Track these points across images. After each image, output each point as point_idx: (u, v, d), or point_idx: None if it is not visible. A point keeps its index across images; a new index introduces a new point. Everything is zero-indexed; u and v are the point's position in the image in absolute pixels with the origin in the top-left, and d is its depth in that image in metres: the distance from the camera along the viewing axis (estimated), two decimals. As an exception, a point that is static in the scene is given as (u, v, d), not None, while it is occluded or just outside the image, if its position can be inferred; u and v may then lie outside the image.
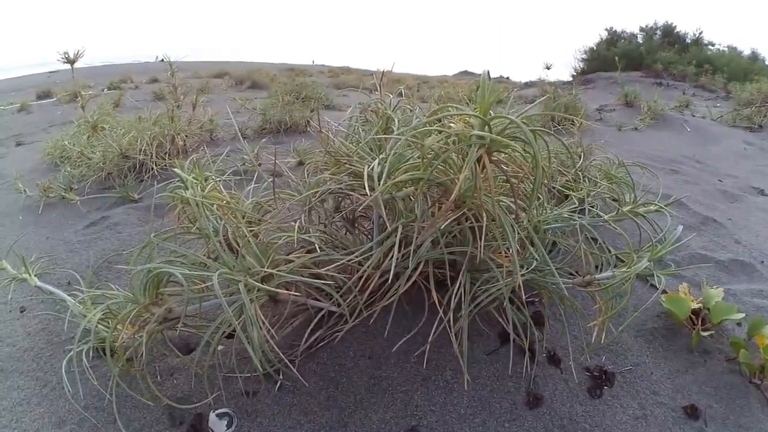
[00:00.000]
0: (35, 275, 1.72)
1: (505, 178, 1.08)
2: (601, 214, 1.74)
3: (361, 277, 1.20)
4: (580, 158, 2.17)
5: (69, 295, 1.60)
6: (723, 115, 6.02)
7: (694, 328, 1.61)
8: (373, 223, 1.34)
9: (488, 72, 1.01)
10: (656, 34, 12.72)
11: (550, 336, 1.56)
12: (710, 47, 12.57)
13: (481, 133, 0.98)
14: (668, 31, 12.68)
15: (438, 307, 1.28)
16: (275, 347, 1.17)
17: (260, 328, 1.06)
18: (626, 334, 1.60)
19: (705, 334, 1.58)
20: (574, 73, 12.91)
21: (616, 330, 1.53)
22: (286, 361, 1.24)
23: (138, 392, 1.31)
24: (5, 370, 1.61)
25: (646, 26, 12.82)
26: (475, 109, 1.05)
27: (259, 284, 1.07)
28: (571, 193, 1.78)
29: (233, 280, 1.07)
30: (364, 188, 1.13)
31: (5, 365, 1.63)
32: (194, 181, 1.29)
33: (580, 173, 2.05)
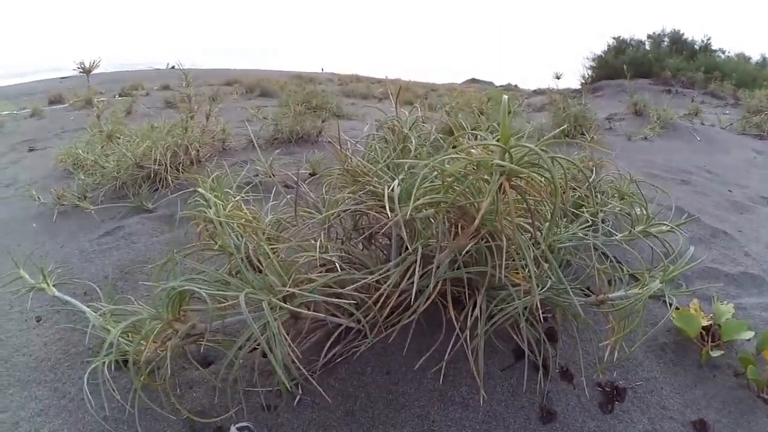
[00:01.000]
0: (52, 285, 1.75)
1: (522, 199, 1.10)
2: (614, 231, 1.75)
3: (380, 295, 1.22)
4: (591, 172, 2.18)
5: (87, 306, 1.64)
6: (732, 123, 6.02)
7: (704, 345, 1.62)
8: (390, 240, 1.36)
9: (507, 99, 1.02)
10: (664, 41, 12.72)
11: (563, 352, 1.58)
12: (719, 54, 12.57)
13: (503, 163, 1.00)
14: (676, 38, 12.66)
15: (455, 324, 1.30)
16: (296, 362, 1.19)
17: (283, 344, 1.08)
18: (637, 350, 1.62)
19: (715, 354, 1.59)
20: (583, 81, 12.92)
21: (628, 347, 1.54)
22: (307, 375, 1.26)
23: (158, 405, 1.33)
24: (22, 380, 1.63)
25: (654, 33, 12.85)
26: (495, 137, 1.06)
27: (282, 304, 1.10)
28: (583, 211, 1.79)
29: (257, 299, 1.09)
30: (383, 208, 1.16)
31: (22, 375, 1.65)
32: (217, 200, 1.30)
33: (592, 188, 2.06)
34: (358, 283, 1.22)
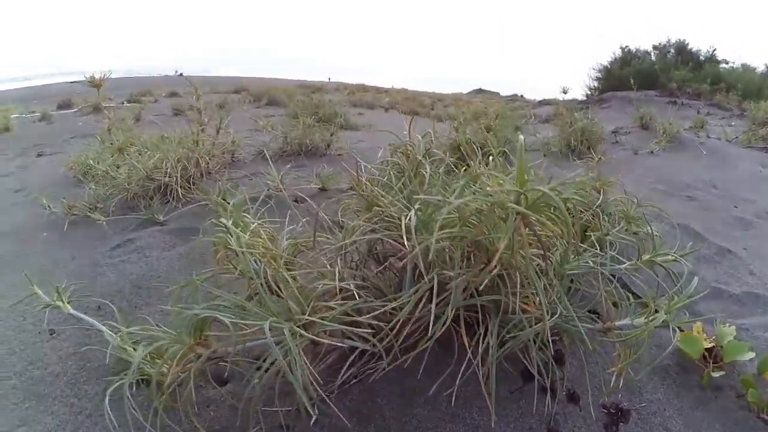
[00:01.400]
0: (67, 302, 1.78)
1: (534, 234, 1.13)
2: (621, 258, 1.78)
3: (397, 322, 1.25)
4: (599, 194, 2.21)
5: (102, 323, 1.66)
6: (738, 136, 6.03)
7: (707, 366, 1.65)
8: (404, 266, 1.38)
9: (524, 140, 1.06)
10: (669, 52, 12.73)
11: (570, 374, 1.61)
12: (724, 65, 12.57)
13: (519, 208, 1.04)
14: (681, 48, 12.68)
15: (467, 348, 1.34)
16: (315, 384, 1.22)
17: (304, 368, 1.11)
18: (641, 371, 1.64)
19: (716, 375, 1.61)
20: (589, 92, 12.94)
21: (634, 372, 1.57)
22: (324, 396, 1.29)
23: (176, 423, 1.36)
24: (38, 394, 1.65)
25: (659, 44, 12.86)
26: (514, 181, 1.10)
27: (303, 332, 1.13)
28: (590, 235, 1.82)
29: (279, 326, 1.12)
30: (400, 236, 1.20)
31: (37, 389, 1.67)
32: (238, 231, 1.34)
33: (599, 211, 2.09)
34: (376, 312, 1.24)
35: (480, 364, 1.33)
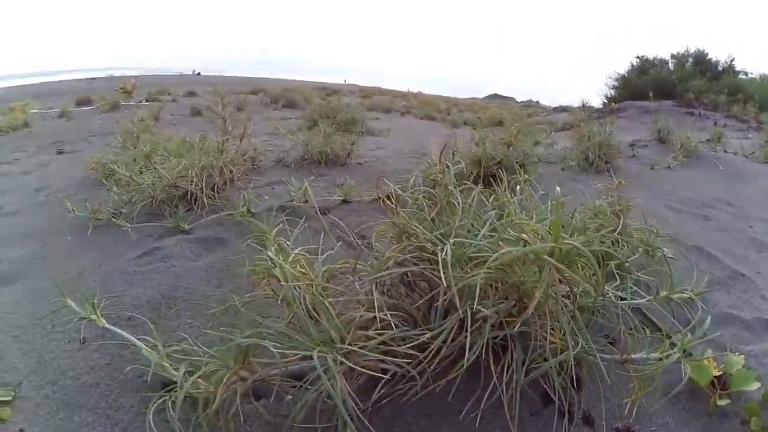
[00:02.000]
0: (99, 311, 1.81)
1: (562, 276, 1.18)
2: (639, 291, 1.82)
3: (430, 351, 1.31)
4: (618, 218, 2.25)
5: (132, 333, 1.72)
6: (755, 152, 6.01)
7: (715, 393, 1.70)
8: (435, 295, 1.43)
9: (558, 191, 1.11)
10: (688, 61, 12.68)
11: (586, 398, 1.65)
12: (743, 75, 12.48)
13: (555, 263, 1.09)
14: (700, 58, 12.62)
15: (492, 372, 1.40)
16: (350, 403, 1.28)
17: (344, 391, 1.18)
18: (653, 397, 1.69)
19: (722, 403, 1.66)
20: (605, 101, 12.93)
21: (647, 401, 1.62)
22: (359, 415, 1.35)
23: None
24: (71, 404, 1.67)
25: (678, 53, 12.81)
26: (546, 227, 1.15)
27: (344, 360, 1.19)
28: (609, 263, 1.86)
29: (322, 355, 1.18)
30: (433, 269, 1.26)
31: (71, 399, 1.69)
32: (283, 264, 1.39)
33: (618, 237, 2.13)
34: (412, 343, 1.30)
35: (504, 389, 1.39)
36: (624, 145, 5.32)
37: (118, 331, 1.75)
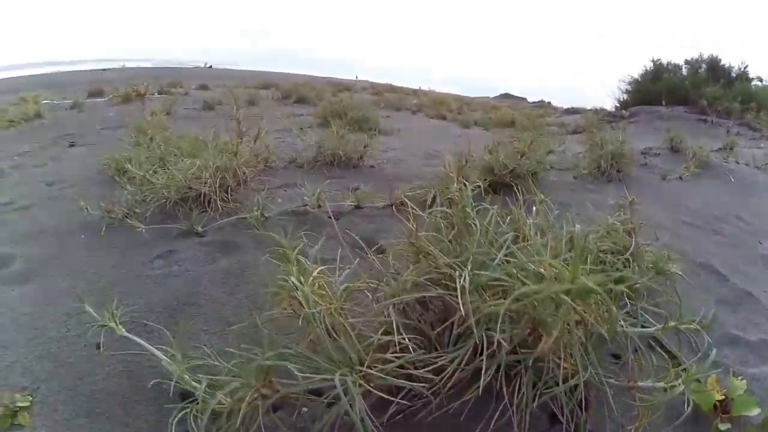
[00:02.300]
0: (117, 319, 1.83)
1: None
2: (649, 319, 1.84)
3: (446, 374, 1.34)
4: (630, 237, 2.27)
5: (149, 340, 1.75)
6: (767, 163, 5.99)
7: (717, 417, 1.72)
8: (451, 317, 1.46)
9: (580, 229, 1.13)
10: (701, 67, 12.61)
11: (592, 419, 1.67)
12: (757, 82, 12.41)
13: (573, 304, 1.11)
14: (714, 64, 12.56)
15: (504, 394, 1.42)
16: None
17: (362, 409, 1.21)
18: (656, 419, 1.71)
19: (723, 428, 1.68)
20: (617, 105, 12.91)
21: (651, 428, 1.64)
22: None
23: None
24: (89, 411, 1.68)
25: (692, 59, 12.74)
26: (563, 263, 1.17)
27: (364, 383, 1.22)
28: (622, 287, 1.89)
29: (343, 378, 1.21)
30: (449, 292, 1.28)
31: (89, 406, 1.70)
32: (306, 291, 1.41)
33: (630, 259, 2.15)
34: (430, 367, 1.33)
35: (515, 411, 1.42)
36: (636, 152, 5.30)
37: (138, 340, 1.78)
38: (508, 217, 1.78)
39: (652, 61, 12.83)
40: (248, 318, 2.13)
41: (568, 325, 1.22)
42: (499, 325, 1.20)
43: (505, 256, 1.46)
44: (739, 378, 1.85)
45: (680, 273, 2.44)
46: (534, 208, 1.79)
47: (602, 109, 14.34)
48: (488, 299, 1.34)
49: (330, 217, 3.09)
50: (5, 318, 2.26)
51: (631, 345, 1.66)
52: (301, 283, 1.42)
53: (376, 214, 3.19)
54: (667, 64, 12.77)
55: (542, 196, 1.92)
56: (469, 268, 1.36)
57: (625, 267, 2.09)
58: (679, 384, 1.47)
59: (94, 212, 3.28)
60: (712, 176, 4.99)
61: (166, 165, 3.56)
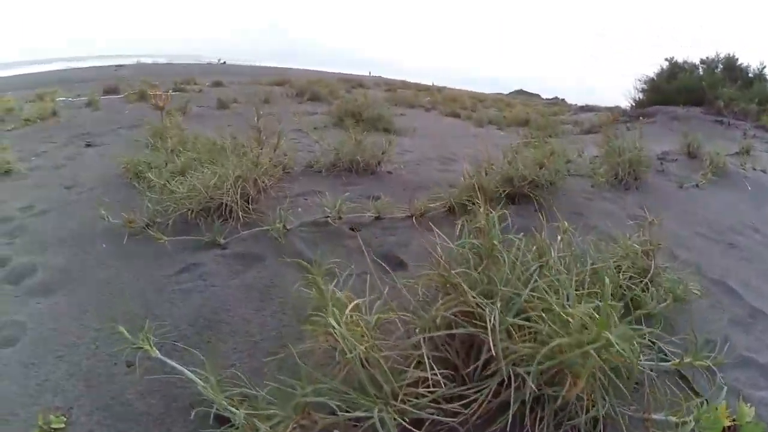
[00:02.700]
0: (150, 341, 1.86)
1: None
2: (667, 352, 1.88)
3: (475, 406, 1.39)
4: (648, 258, 2.29)
5: (178, 359, 1.79)
6: (784, 170, 5.95)
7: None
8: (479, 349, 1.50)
9: (609, 287, 1.17)
10: (718, 66, 12.48)
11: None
12: (774, 82, 12.24)
13: (598, 360, 1.15)
14: (730, 64, 12.42)
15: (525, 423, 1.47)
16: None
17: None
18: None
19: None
20: (633, 104, 12.83)
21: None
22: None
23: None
24: None
25: (708, 58, 12.61)
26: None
27: (398, 417, 1.27)
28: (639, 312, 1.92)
29: (380, 415, 1.26)
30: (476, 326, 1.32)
31: (124, 427, 1.73)
32: (345, 333, 1.45)
33: (649, 284, 2.18)
34: (461, 402, 1.37)
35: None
36: (653, 156, 5.28)
37: (172, 363, 1.82)
38: (534, 248, 1.80)
39: (668, 60, 12.72)
40: (276, 336, 2.19)
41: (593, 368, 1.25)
42: (529, 368, 1.24)
43: (532, 290, 1.50)
44: (748, 405, 1.88)
45: (696, 292, 2.47)
46: (559, 236, 1.81)
47: (617, 107, 14.31)
48: (516, 338, 1.38)
49: (352, 229, 3.13)
50: (33, 333, 2.30)
51: (648, 377, 1.70)
52: (337, 322, 1.45)
53: (396, 226, 3.21)
54: (683, 63, 12.66)
55: (566, 224, 1.94)
56: (498, 307, 1.39)
57: (643, 291, 2.12)
58: (691, 420, 1.51)
59: (114, 220, 3.30)
60: (729, 184, 4.96)
61: (186, 176, 3.58)
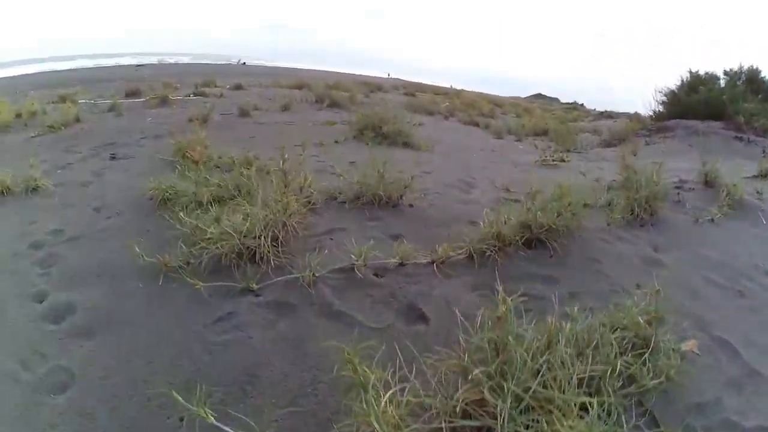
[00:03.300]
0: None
1: None
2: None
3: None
4: (651, 327, 2.43)
5: (223, 418, 1.93)
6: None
7: None
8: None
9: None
10: (740, 79, 12.36)
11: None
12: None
13: None
14: (753, 77, 12.29)
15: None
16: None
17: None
18: None
19: None
20: (652, 116, 12.77)
21: None
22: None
23: None
24: None
25: (730, 70, 12.49)
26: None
27: None
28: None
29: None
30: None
31: None
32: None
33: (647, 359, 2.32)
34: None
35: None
36: (669, 184, 5.26)
37: (228, 430, 1.96)
38: (545, 337, 1.97)
39: (689, 72, 12.61)
40: (313, 392, 2.37)
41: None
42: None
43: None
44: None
45: (696, 353, 2.59)
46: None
47: (636, 114, 14.24)
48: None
49: (376, 275, 3.28)
50: (83, 382, 2.43)
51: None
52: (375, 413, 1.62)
53: (419, 273, 3.34)
54: (705, 75, 12.53)
55: (575, 310, 2.12)
56: (509, 404, 1.58)
57: (642, 366, 2.26)
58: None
59: (149, 258, 3.37)
60: (744, 218, 4.93)
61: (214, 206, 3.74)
